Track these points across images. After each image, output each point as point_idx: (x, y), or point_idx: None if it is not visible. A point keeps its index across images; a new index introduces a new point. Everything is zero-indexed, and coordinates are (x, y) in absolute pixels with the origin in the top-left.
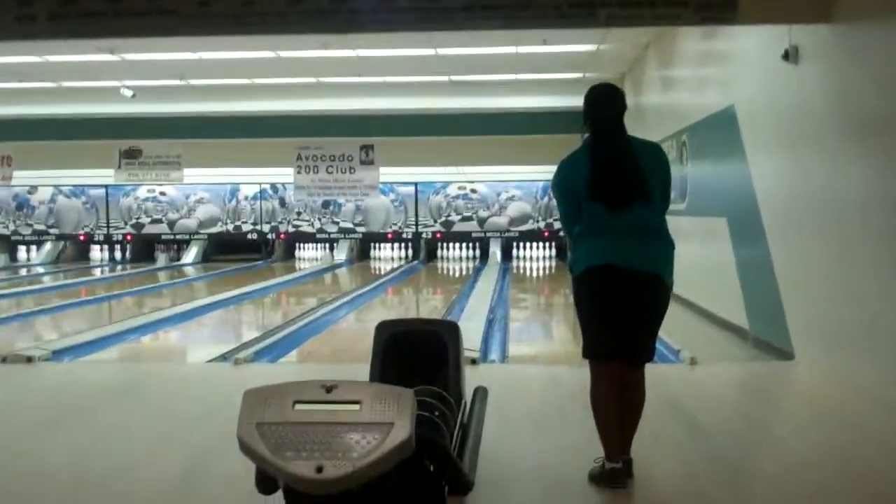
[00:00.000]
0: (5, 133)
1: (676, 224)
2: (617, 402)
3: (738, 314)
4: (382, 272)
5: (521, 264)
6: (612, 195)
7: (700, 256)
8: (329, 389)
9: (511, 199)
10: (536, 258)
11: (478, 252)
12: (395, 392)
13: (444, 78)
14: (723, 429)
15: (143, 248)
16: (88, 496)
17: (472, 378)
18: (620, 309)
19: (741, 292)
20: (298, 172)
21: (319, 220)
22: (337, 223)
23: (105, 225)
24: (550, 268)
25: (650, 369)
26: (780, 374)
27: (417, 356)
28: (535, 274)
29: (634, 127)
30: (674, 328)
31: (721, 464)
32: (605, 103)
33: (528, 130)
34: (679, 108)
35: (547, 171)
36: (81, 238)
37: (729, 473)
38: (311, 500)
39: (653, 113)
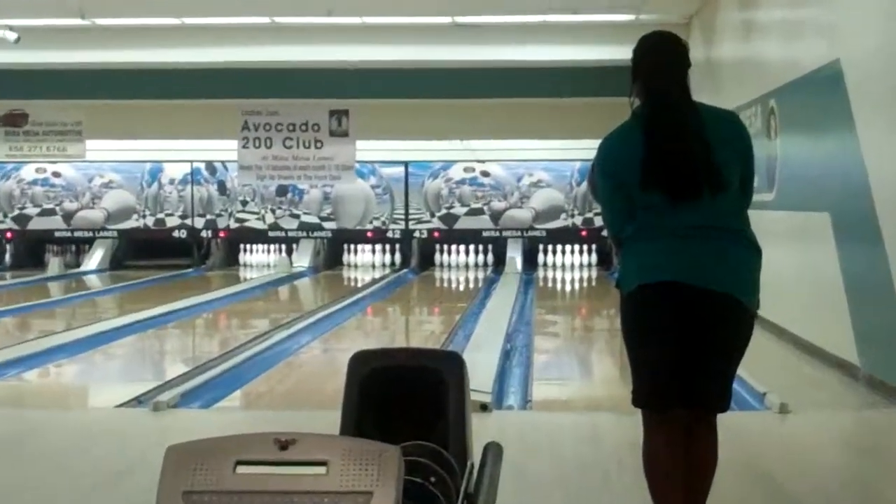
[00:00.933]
0: None
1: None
2: (679, 464)
3: (844, 345)
4: (359, 284)
5: (550, 274)
6: (675, 182)
7: (793, 267)
8: (285, 445)
9: (537, 184)
10: (571, 266)
11: (490, 257)
12: (376, 450)
13: (447, 19)
14: (821, 500)
15: (29, 249)
16: None
17: (481, 430)
18: (685, 342)
19: (849, 316)
20: (245, 147)
21: (273, 212)
22: (297, 217)
23: None
24: (590, 279)
25: (725, 420)
26: None
27: (407, 400)
28: (568, 288)
29: (703, 90)
30: (757, 364)
31: None
32: (662, 59)
33: (560, 92)
34: (765, 63)
35: (586, 148)
36: None
37: None
38: None
39: (729, 71)
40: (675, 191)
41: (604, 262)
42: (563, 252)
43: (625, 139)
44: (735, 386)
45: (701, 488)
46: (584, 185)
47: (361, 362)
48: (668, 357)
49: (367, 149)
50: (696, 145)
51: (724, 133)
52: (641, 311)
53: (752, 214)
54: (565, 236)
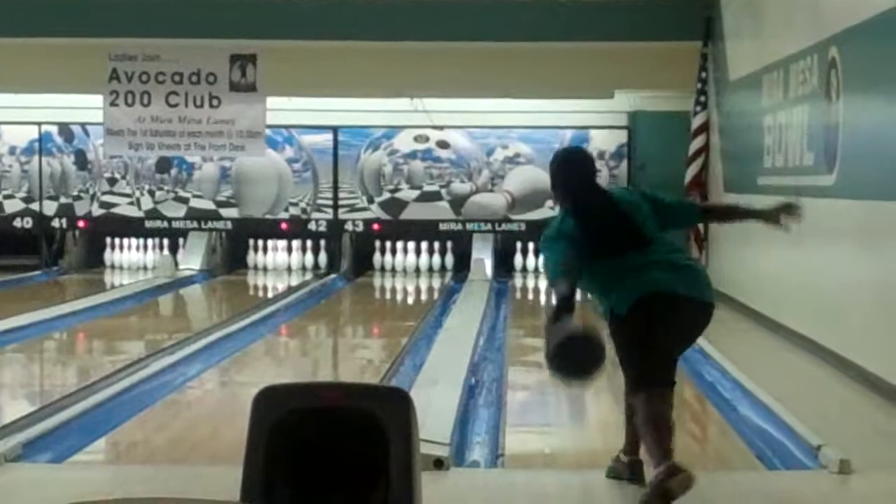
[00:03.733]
0: None
1: (817, 213)
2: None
3: None
4: (270, 294)
5: (531, 283)
6: (615, 243)
7: (860, 276)
8: None
9: (513, 160)
10: None
11: (450, 259)
12: None
13: None
14: None
15: None
16: None
17: (435, 495)
18: (679, 334)
19: None
20: (113, 104)
21: (152, 194)
22: (185, 202)
23: None
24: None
25: (768, 483)
26: None
27: (333, 455)
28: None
29: (748, 33)
30: (810, 407)
31: None
32: (576, 169)
33: (543, 33)
34: (824, 1)
35: (581, 111)
36: None
37: None
38: None
39: (778, 11)
40: (616, 248)
41: None
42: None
43: (564, 228)
44: (780, 437)
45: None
46: None
47: (271, 402)
48: (670, 344)
49: (282, 108)
50: (620, 221)
51: (631, 201)
52: (646, 314)
53: (806, 203)
54: None
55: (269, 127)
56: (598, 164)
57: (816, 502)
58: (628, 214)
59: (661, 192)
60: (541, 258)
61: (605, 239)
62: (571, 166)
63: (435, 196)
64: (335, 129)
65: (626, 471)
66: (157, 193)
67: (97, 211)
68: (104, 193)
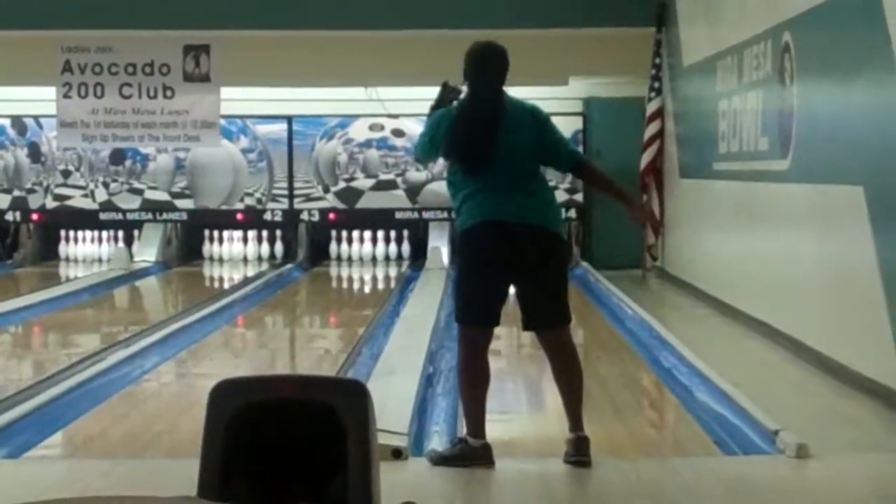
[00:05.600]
0: None
1: (771, 198)
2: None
3: (883, 365)
4: (226, 285)
5: None
6: (465, 158)
7: (814, 260)
8: None
9: None
10: None
11: (406, 248)
12: None
13: None
14: None
15: None
16: None
17: (393, 486)
18: (503, 269)
19: (890, 325)
20: (66, 96)
21: (106, 186)
22: (140, 193)
23: None
24: None
25: (723, 467)
26: None
27: (290, 447)
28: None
29: (702, 19)
30: (767, 392)
31: None
32: (488, 66)
33: (497, 21)
34: None
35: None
36: None
37: None
38: None
39: None
40: (466, 164)
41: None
42: None
43: (447, 117)
44: (737, 422)
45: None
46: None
47: (228, 395)
48: (491, 283)
49: (236, 98)
50: (486, 132)
51: (520, 122)
52: (474, 246)
53: (761, 188)
54: None
55: (224, 117)
56: None
57: (775, 487)
58: (502, 131)
59: (555, 128)
60: None
61: (464, 145)
62: (485, 61)
63: (390, 185)
64: (289, 119)
65: (571, 448)
66: (112, 185)
67: (51, 204)
68: (58, 186)
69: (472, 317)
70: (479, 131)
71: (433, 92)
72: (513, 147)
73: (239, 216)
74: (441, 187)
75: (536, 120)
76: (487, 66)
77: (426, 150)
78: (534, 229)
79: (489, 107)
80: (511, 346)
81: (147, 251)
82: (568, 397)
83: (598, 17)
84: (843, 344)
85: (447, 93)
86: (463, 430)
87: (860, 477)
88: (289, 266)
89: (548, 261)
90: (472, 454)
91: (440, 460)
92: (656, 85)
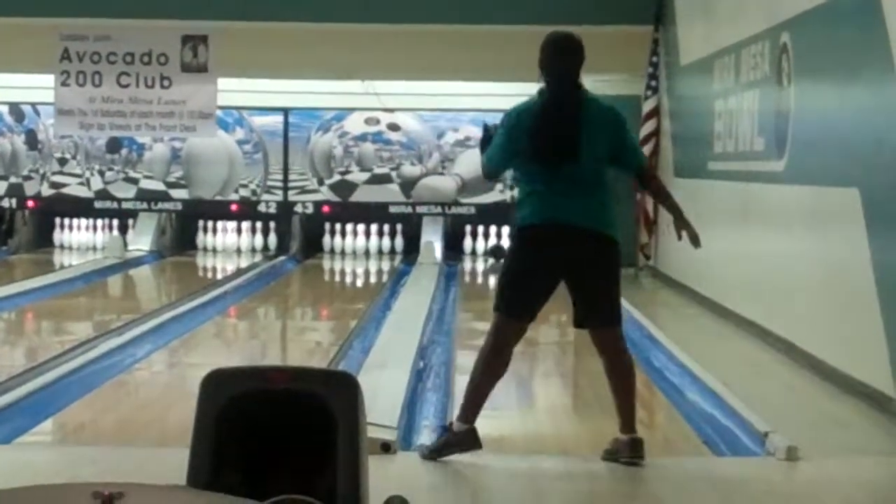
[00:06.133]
0: None
1: (766, 199)
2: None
3: (875, 368)
4: (219, 275)
5: (480, 266)
6: (550, 150)
7: (808, 261)
8: (108, 501)
9: (464, 143)
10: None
11: (399, 242)
12: None
13: None
14: None
15: None
16: None
17: (382, 479)
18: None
19: (883, 328)
20: (64, 84)
21: (102, 175)
22: (135, 182)
23: None
24: None
25: (711, 469)
26: None
27: (281, 438)
28: None
29: (700, 18)
30: (757, 394)
31: None
32: (566, 58)
33: (494, 16)
34: None
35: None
36: None
37: None
38: None
39: None
40: (550, 160)
41: None
42: (499, 235)
43: (527, 112)
44: (727, 423)
45: None
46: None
47: (219, 385)
48: (539, 282)
49: (233, 90)
50: (571, 127)
51: (597, 119)
52: (529, 242)
53: (756, 189)
54: (501, 215)
55: (220, 108)
56: None
57: (764, 489)
58: (582, 127)
59: (629, 130)
60: (492, 240)
61: (544, 141)
62: (566, 54)
63: (385, 179)
64: (286, 111)
65: (625, 449)
66: (108, 174)
67: (47, 191)
68: (54, 174)
69: (512, 309)
70: (566, 126)
71: (429, 87)
72: (589, 145)
73: (233, 207)
74: (435, 182)
75: (614, 119)
76: (567, 59)
77: (500, 160)
78: (592, 233)
79: (571, 101)
80: None
81: (141, 240)
82: (617, 397)
83: (595, 14)
84: (835, 346)
85: (489, 133)
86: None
87: (850, 480)
88: (282, 258)
89: (602, 263)
90: (459, 440)
91: (430, 454)
92: (653, 83)
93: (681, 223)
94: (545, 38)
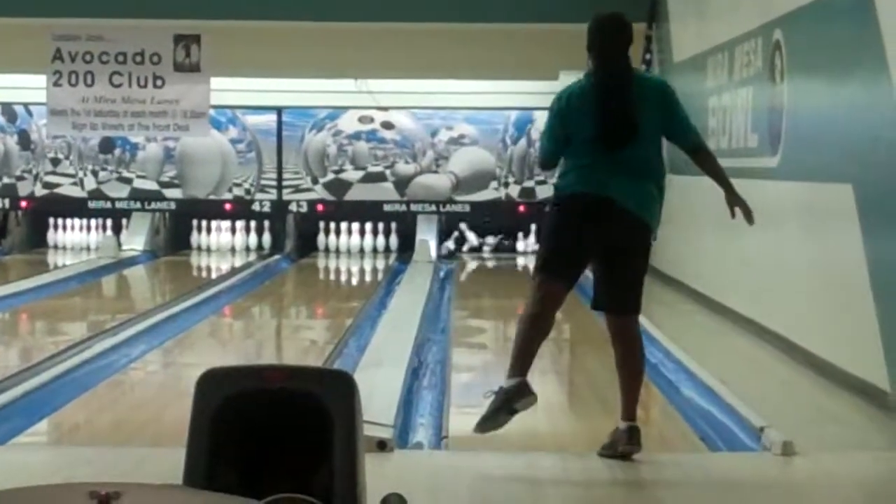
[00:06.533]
0: None
1: (761, 194)
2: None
3: (869, 363)
4: (213, 275)
5: (475, 264)
6: (612, 138)
7: (803, 257)
8: (105, 501)
9: (458, 141)
10: (504, 253)
11: (394, 240)
12: None
13: None
14: None
15: None
16: None
17: (378, 477)
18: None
19: (877, 323)
20: (56, 84)
21: (95, 175)
22: (129, 182)
23: None
24: (529, 271)
25: (707, 464)
26: None
27: (276, 437)
28: (500, 282)
29: (693, 15)
30: (753, 389)
31: None
32: (614, 36)
33: (488, 14)
34: None
35: (525, 93)
36: None
37: None
38: None
39: None
40: (611, 138)
41: None
42: (493, 233)
43: (580, 95)
44: (723, 419)
45: None
46: (522, 143)
47: (215, 384)
48: (581, 246)
49: (226, 89)
50: (630, 105)
51: (648, 96)
52: (577, 210)
53: (750, 185)
54: (496, 212)
55: (213, 107)
56: None
57: (759, 484)
58: (637, 106)
59: (681, 106)
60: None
61: (607, 124)
62: (615, 33)
63: (379, 177)
64: (279, 110)
65: (623, 437)
66: (101, 174)
67: (40, 191)
68: (47, 174)
69: (554, 270)
70: (625, 107)
71: (423, 85)
72: (646, 124)
73: (227, 206)
74: (429, 180)
75: (666, 94)
76: (616, 38)
77: (553, 146)
78: (632, 215)
79: (625, 81)
80: (497, 339)
81: (135, 240)
82: (624, 383)
83: (589, 11)
84: (830, 341)
85: None
86: (449, 426)
87: (845, 475)
88: (276, 257)
89: (635, 248)
90: (514, 394)
91: (487, 421)
92: None
93: (733, 199)
94: (591, 21)
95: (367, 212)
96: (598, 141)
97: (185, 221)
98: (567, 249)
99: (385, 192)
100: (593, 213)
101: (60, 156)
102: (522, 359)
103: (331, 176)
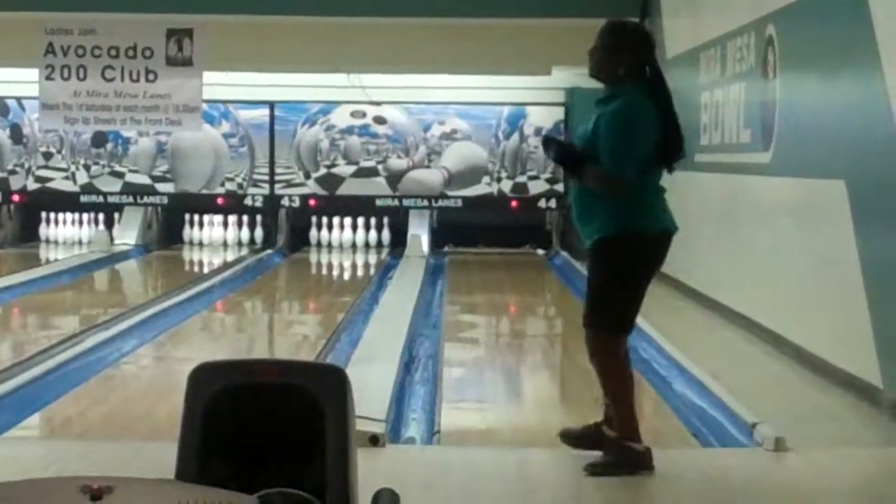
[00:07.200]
0: None
1: (752, 191)
2: None
3: (862, 360)
4: (206, 269)
5: (468, 259)
6: (678, 156)
7: (795, 254)
8: (97, 495)
9: (450, 136)
10: (496, 248)
11: (386, 235)
12: (225, 501)
13: None
14: None
15: None
16: None
17: (370, 472)
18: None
19: (869, 320)
20: (49, 78)
21: (87, 169)
22: (121, 176)
23: None
24: (522, 266)
25: (700, 460)
26: None
27: (269, 431)
28: (492, 277)
29: (685, 10)
30: (745, 385)
31: None
32: (654, 47)
33: (480, 9)
34: None
35: (518, 88)
36: None
37: None
38: None
39: None
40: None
41: (539, 239)
42: (486, 228)
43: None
44: (715, 415)
45: None
46: (515, 138)
47: (207, 378)
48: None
49: (218, 83)
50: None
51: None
52: (654, 253)
53: (741, 180)
54: (489, 207)
55: (206, 102)
56: (535, 141)
57: (751, 480)
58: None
59: None
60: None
61: (678, 141)
62: (653, 45)
63: (371, 172)
64: (272, 105)
65: (589, 435)
66: (93, 168)
67: (32, 185)
68: (39, 168)
69: (627, 327)
70: (678, 124)
71: (415, 80)
72: None
73: (219, 201)
74: (421, 175)
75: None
76: (654, 47)
77: (636, 165)
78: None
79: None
80: (489, 334)
81: (127, 234)
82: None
83: (581, 6)
84: (822, 338)
85: (566, 146)
86: (441, 418)
87: (837, 471)
88: (268, 251)
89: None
90: (640, 460)
91: (606, 469)
92: None
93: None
94: (633, 31)
95: (359, 207)
96: (660, 160)
97: (178, 216)
98: (638, 302)
99: (377, 186)
100: (665, 250)
101: (53, 150)
102: (635, 420)
103: (323, 171)
